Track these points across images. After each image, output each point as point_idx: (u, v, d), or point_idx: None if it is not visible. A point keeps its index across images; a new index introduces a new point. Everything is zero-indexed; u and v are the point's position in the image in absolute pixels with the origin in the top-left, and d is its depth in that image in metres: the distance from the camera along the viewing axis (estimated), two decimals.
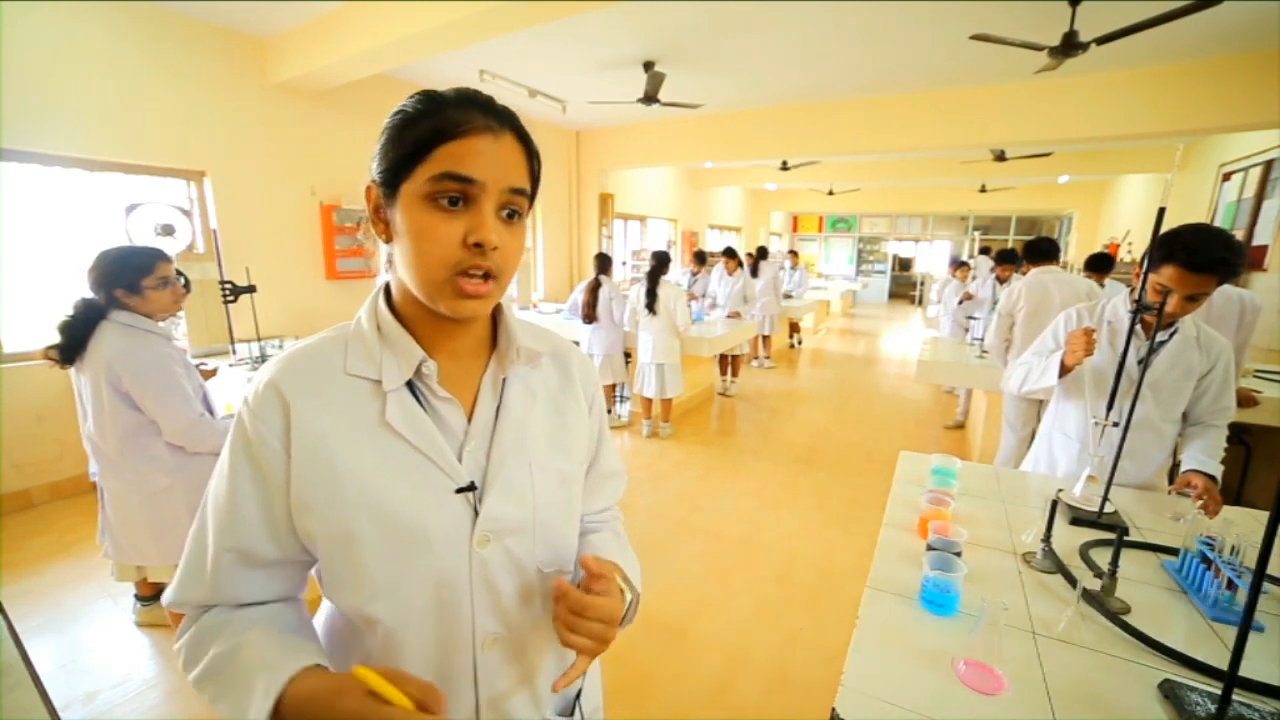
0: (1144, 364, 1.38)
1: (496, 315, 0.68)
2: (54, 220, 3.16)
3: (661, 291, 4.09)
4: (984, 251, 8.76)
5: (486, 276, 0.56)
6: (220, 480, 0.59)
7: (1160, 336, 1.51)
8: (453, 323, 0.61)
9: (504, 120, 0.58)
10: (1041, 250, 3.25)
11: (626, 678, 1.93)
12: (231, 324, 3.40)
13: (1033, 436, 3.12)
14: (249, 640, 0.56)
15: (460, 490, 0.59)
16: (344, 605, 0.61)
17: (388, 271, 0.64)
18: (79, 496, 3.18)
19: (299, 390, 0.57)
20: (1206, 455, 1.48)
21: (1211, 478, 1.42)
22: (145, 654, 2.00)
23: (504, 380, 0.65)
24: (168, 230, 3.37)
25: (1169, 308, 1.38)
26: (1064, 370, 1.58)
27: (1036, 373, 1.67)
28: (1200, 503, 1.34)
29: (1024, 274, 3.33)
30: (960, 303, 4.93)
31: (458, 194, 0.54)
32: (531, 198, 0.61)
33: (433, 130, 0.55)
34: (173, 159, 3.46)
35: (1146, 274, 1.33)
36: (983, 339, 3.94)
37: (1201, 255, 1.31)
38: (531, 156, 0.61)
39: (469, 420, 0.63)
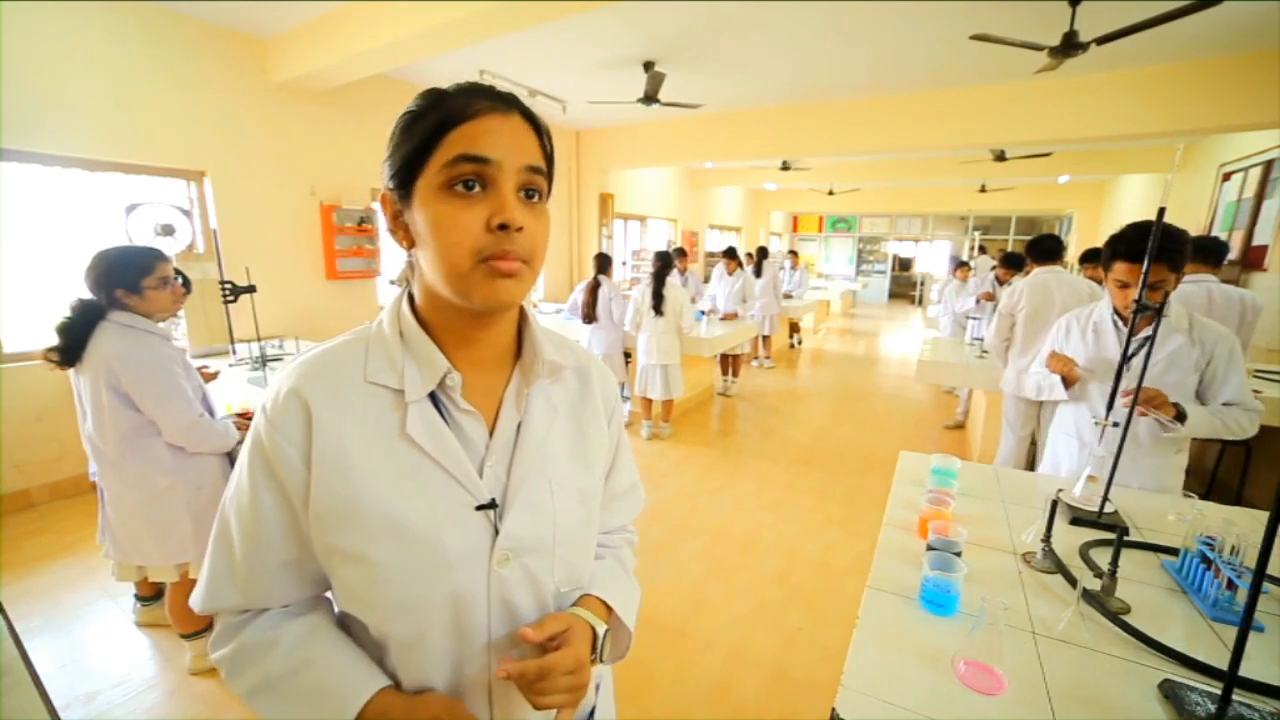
0: (1140, 358, 1.41)
1: (522, 324, 0.66)
2: (54, 220, 3.16)
3: (669, 293, 4.09)
4: (982, 251, 8.75)
5: (516, 258, 0.54)
6: (240, 490, 0.59)
7: (1146, 331, 1.57)
8: (478, 330, 0.59)
9: (509, 102, 0.57)
10: (1046, 249, 3.19)
11: (627, 678, 1.93)
12: (231, 324, 3.40)
13: (1032, 436, 3.15)
14: (313, 660, 0.58)
15: (481, 507, 0.58)
16: (361, 618, 0.60)
17: (405, 282, 0.63)
18: (79, 496, 3.18)
19: (321, 397, 0.56)
20: (1198, 404, 1.54)
21: (1175, 405, 1.48)
22: (145, 654, 2.00)
23: (527, 394, 0.63)
24: (168, 230, 3.36)
25: (1133, 296, 1.48)
26: (1068, 384, 1.74)
27: (1046, 388, 1.81)
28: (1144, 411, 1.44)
29: (1027, 273, 3.32)
30: (977, 302, 4.85)
31: (474, 176, 0.53)
32: (549, 179, 0.59)
33: (440, 119, 0.53)
34: (173, 159, 3.46)
35: (1146, 273, 1.33)
36: (983, 339, 3.93)
37: (1139, 245, 1.45)
38: (542, 135, 0.59)
39: (490, 434, 0.61)
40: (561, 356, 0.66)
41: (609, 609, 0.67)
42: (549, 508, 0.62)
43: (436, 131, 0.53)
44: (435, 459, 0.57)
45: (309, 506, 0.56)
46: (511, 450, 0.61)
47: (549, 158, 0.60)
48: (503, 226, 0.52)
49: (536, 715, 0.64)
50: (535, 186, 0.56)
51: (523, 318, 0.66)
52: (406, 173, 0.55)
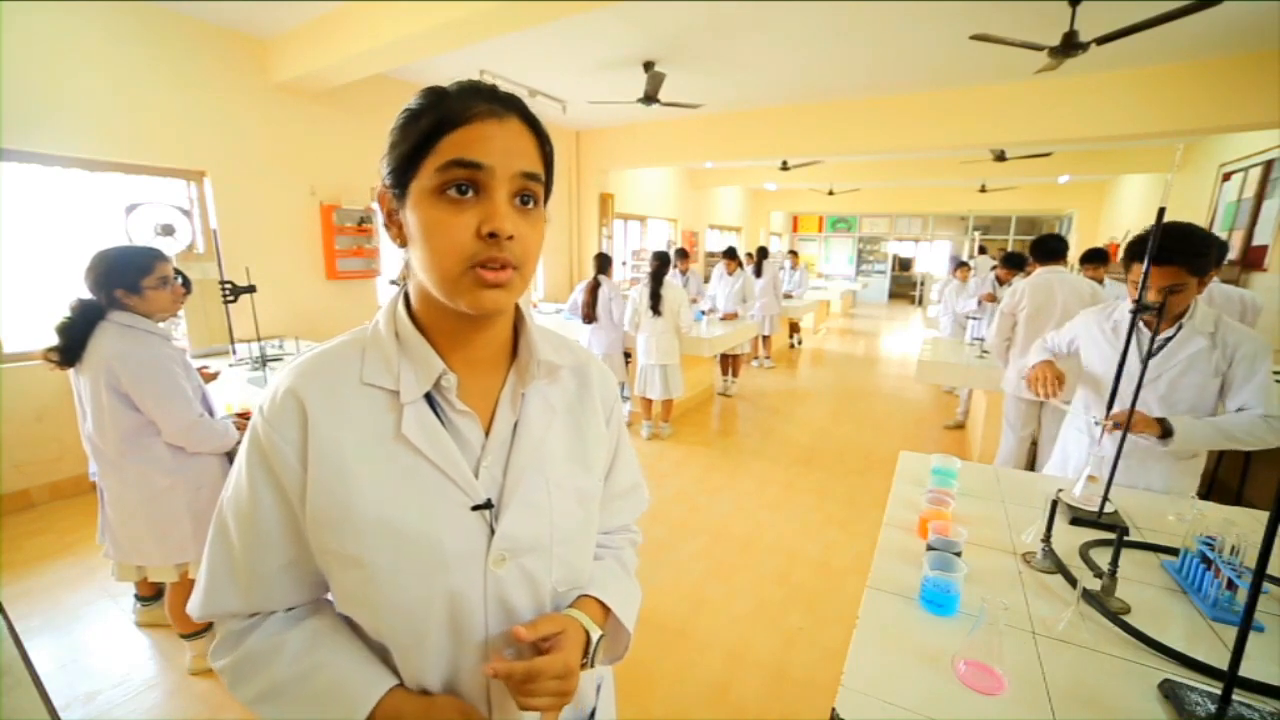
0: (1148, 360, 1.40)
1: (518, 324, 0.66)
2: (54, 220, 3.16)
3: (666, 293, 4.09)
4: (982, 251, 8.75)
5: (505, 266, 0.54)
6: (238, 490, 0.58)
7: (1168, 332, 1.54)
8: (473, 330, 0.59)
9: (509, 105, 0.56)
10: (1050, 249, 3.16)
11: (627, 678, 1.92)
12: (231, 324, 3.40)
13: (1033, 437, 3.14)
14: (320, 664, 0.57)
15: (477, 507, 0.58)
16: (358, 620, 0.60)
17: (402, 280, 0.63)
18: (79, 496, 3.18)
19: (317, 398, 0.56)
20: (1195, 416, 1.50)
21: (1161, 421, 1.45)
22: (145, 654, 2.00)
23: (523, 394, 0.63)
24: (168, 230, 3.36)
25: (1151, 299, 1.43)
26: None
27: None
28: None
29: (1029, 273, 3.31)
30: (979, 303, 4.85)
31: (466, 182, 0.52)
32: (548, 184, 0.59)
33: (436, 121, 0.53)
34: (173, 159, 3.46)
35: (1146, 274, 1.34)
36: (983, 339, 3.93)
37: (1160, 246, 1.39)
38: (541, 140, 0.58)
39: (486, 435, 0.61)
40: (558, 356, 0.66)
41: (606, 611, 0.67)
42: (546, 507, 0.62)
43: (432, 133, 0.53)
44: (431, 460, 0.57)
45: (306, 506, 0.56)
46: (508, 450, 0.61)
47: (548, 162, 0.59)
48: (492, 235, 0.52)
49: (529, 715, 0.64)
50: (530, 192, 0.56)
51: (519, 318, 0.66)
52: (402, 172, 0.55)
